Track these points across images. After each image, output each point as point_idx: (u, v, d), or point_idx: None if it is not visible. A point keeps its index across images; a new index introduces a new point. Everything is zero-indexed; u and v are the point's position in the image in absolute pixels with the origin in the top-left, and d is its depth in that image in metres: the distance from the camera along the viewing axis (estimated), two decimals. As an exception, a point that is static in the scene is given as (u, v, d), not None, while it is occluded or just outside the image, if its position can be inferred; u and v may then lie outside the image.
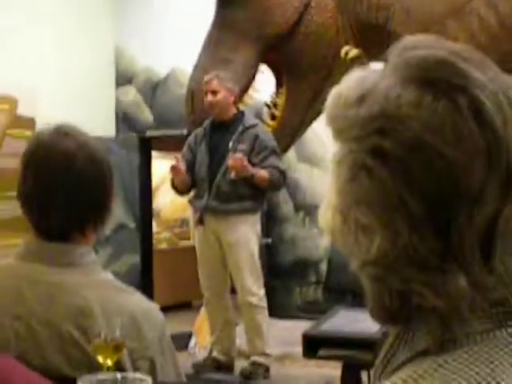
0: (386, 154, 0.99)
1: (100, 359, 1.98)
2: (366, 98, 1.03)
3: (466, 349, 0.98)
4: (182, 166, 6.31)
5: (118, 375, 1.70)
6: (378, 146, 1.00)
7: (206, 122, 6.41)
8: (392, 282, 1.01)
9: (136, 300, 2.30)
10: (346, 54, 5.87)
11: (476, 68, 1.02)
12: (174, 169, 6.36)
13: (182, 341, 7.07)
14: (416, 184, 0.98)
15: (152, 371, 2.18)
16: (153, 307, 2.33)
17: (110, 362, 1.98)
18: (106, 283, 2.28)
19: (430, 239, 0.98)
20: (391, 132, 0.99)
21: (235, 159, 6.03)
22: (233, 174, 6.12)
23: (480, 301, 0.98)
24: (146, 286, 9.76)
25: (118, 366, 2.00)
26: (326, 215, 1.08)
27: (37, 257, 2.25)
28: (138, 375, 1.75)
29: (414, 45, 1.06)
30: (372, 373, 1.08)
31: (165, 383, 2.22)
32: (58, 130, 2.28)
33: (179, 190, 6.56)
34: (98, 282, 2.26)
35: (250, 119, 6.44)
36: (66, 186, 2.21)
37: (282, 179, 6.32)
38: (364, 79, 1.05)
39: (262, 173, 6.17)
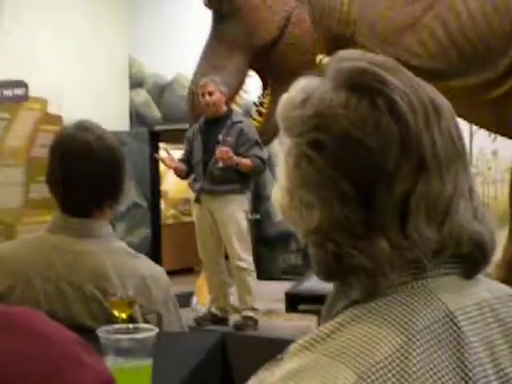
0: (322, 146, 1.04)
1: (116, 313, 1.99)
2: (307, 101, 1.06)
3: (388, 297, 1.02)
4: (171, 160, 6.46)
5: (131, 325, 1.71)
6: (316, 139, 1.04)
7: (201, 120, 6.44)
8: (329, 246, 1.04)
9: (145, 264, 2.31)
10: (320, 61, 5.87)
11: (391, 74, 1.05)
12: (164, 162, 6.53)
13: (185, 299, 7.07)
14: (345, 168, 1.02)
15: (159, 323, 2.19)
16: (160, 271, 2.34)
17: (124, 316, 1.99)
18: (120, 251, 2.29)
19: (357, 211, 1.02)
20: (325, 128, 1.04)
21: (221, 151, 6.08)
22: (220, 163, 6.16)
23: (398, 259, 1.01)
24: (155, 255, 9.76)
25: (131, 319, 2.01)
26: (277, 195, 1.12)
27: (63, 229, 2.26)
28: (148, 325, 1.76)
29: (344, 58, 1.10)
30: (318, 319, 1.12)
31: (170, 332, 2.24)
32: (78, 125, 2.29)
33: (179, 174, 6.63)
34: (113, 250, 2.26)
35: (236, 116, 6.47)
36: (86, 171, 2.22)
37: (262, 166, 6.34)
38: (307, 86, 1.09)
39: (246, 161, 6.20)
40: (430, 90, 1.08)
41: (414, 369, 0.94)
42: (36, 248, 2.26)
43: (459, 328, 1.00)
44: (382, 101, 1.03)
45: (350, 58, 1.10)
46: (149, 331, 1.66)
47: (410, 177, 1.01)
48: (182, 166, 6.50)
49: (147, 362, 1.66)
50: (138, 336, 1.64)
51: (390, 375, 0.94)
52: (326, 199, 1.04)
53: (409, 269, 1.03)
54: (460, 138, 1.08)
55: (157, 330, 1.67)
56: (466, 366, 0.98)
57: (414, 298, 1.02)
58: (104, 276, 2.16)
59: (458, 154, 1.06)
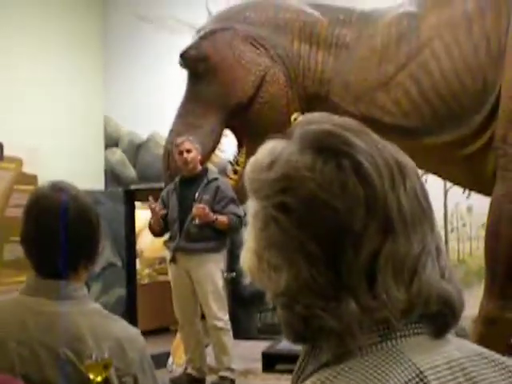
0: (288, 208, 1.04)
1: (91, 376, 1.96)
2: (274, 163, 1.07)
3: (358, 359, 1.01)
4: (158, 207, 6.46)
5: (106, 389, 1.69)
6: (282, 202, 1.05)
7: (176, 179, 6.48)
8: (297, 308, 1.04)
9: (121, 326, 2.28)
10: (295, 120, 5.91)
11: (356, 136, 1.07)
12: (152, 210, 6.50)
13: (161, 360, 7.01)
14: (312, 230, 1.02)
15: (135, 386, 2.16)
16: (135, 332, 2.31)
17: (99, 379, 1.96)
18: (95, 312, 2.27)
19: (325, 273, 1.02)
20: (291, 190, 1.04)
21: (198, 208, 6.13)
22: (197, 220, 6.19)
23: (367, 320, 1.01)
24: (131, 314, 9.68)
25: (107, 383, 1.98)
26: (246, 257, 1.11)
27: (37, 291, 2.24)
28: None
29: (310, 120, 1.11)
30: (292, 379, 1.11)
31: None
32: (53, 186, 2.29)
33: (154, 231, 6.65)
34: (88, 312, 2.24)
35: (212, 174, 6.58)
36: (60, 232, 2.20)
37: (238, 223, 6.37)
38: (273, 149, 1.09)
39: (222, 218, 6.24)
40: (394, 152, 1.10)
41: None
42: (10, 310, 2.24)
43: None
44: (347, 162, 1.03)
45: (316, 120, 1.11)
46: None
47: (376, 237, 1.02)
48: (160, 222, 6.51)
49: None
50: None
51: None
52: (293, 261, 1.04)
53: (378, 329, 1.03)
54: (426, 197, 1.09)
55: (133, 393, 1.65)
56: None
57: (385, 359, 1.01)
58: (79, 338, 2.13)
59: (424, 213, 1.07)
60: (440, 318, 1.06)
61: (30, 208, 2.27)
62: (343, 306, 1.01)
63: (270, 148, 1.10)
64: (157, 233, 6.67)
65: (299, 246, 1.03)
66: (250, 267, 1.10)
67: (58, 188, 2.26)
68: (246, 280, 9.27)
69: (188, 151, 6.28)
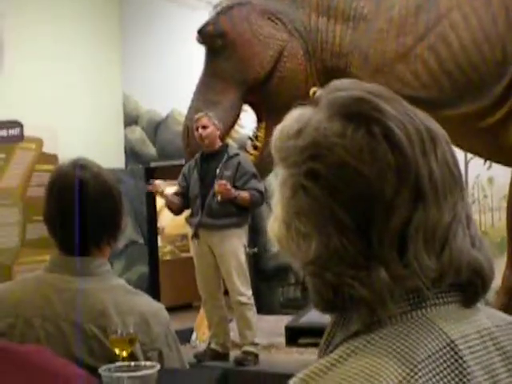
0: (318, 176, 1.03)
1: (117, 351, 1.98)
2: (302, 131, 1.06)
3: (388, 328, 1.01)
4: (157, 187, 6.56)
5: (132, 363, 1.70)
6: (312, 169, 1.03)
7: (197, 155, 6.47)
8: (327, 277, 1.03)
9: (145, 301, 2.30)
10: (314, 93, 5.90)
11: (387, 103, 1.05)
12: (155, 191, 6.63)
13: (184, 336, 7.04)
14: (342, 197, 1.01)
15: (160, 360, 2.17)
16: (159, 307, 2.33)
17: (125, 354, 1.97)
18: (120, 288, 2.28)
19: (355, 241, 1.01)
20: (321, 157, 1.03)
21: (220, 184, 6.12)
22: (219, 198, 6.19)
23: (398, 289, 1.01)
24: (153, 291, 9.71)
25: (132, 357, 2.00)
26: (274, 226, 1.11)
27: (61, 268, 2.25)
28: (149, 362, 1.75)
29: (338, 87, 1.09)
30: (317, 352, 1.10)
31: (171, 369, 2.22)
32: (75, 163, 2.29)
33: (172, 210, 6.66)
34: (112, 288, 2.25)
35: (232, 150, 6.54)
36: (83, 209, 2.21)
37: (260, 198, 6.35)
38: (301, 116, 1.08)
39: (244, 194, 6.23)
40: (425, 119, 1.08)
41: None
42: (34, 287, 2.26)
43: (461, 357, 1.00)
44: (378, 129, 1.02)
45: (344, 87, 1.09)
46: (150, 368, 1.65)
47: (407, 205, 1.01)
48: (175, 199, 6.53)
49: (149, 400, 1.65)
50: (140, 373, 1.63)
51: None
52: (323, 229, 1.03)
53: (408, 298, 1.03)
54: (456, 165, 1.08)
55: (158, 366, 1.66)
56: None
57: (415, 328, 1.01)
58: (104, 314, 2.15)
59: (454, 181, 1.06)
60: (470, 286, 1.05)
61: (52, 186, 2.28)
62: (374, 275, 1.00)
63: (297, 115, 1.08)
64: (175, 211, 6.68)
65: (329, 214, 1.02)
66: (278, 236, 1.10)
67: (79, 165, 2.27)
68: (274, 249, 9.29)
69: (204, 127, 6.27)
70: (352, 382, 0.94)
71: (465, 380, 0.98)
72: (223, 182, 6.13)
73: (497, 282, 5.92)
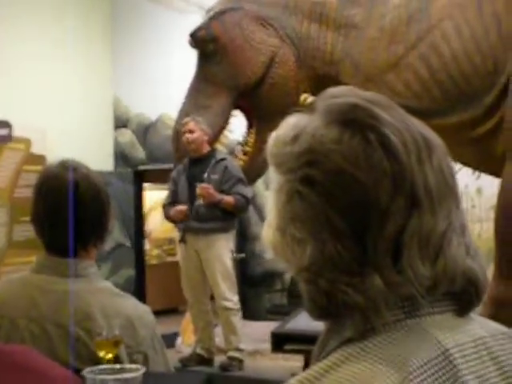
0: (314, 182, 1.04)
1: (102, 354, 1.97)
2: (298, 137, 1.06)
3: (382, 335, 1.01)
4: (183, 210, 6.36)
5: (117, 366, 1.70)
6: (307, 175, 1.04)
7: (185, 159, 6.48)
8: (321, 283, 1.03)
9: (131, 304, 2.29)
10: (305, 100, 5.91)
11: (383, 110, 1.06)
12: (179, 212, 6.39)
13: (170, 340, 7.03)
14: (338, 203, 1.02)
15: (145, 363, 2.17)
16: (145, 310, 2.32)
17: (110, 356, 1.97)
18: (106, 290, 2.28)
19: (350, 248, 1.02)
20: (317, 164, 1.04)
21: (202, 188, 6.14)
22: (201, 200, 6.19)
23: (392, 296, 1.01)
24: (140, 295, 9.69)
25: (117, 360, 1.99)
26: (268, 232, 1.11)
27: (47, 269, 2.25)
28: (134, 365, 1.74)
29: (334, 94, 1.10)
30: (311, 358, 1.10)
31: (156, 373, 2.22)
32: (63, 164, 2.29)
33: (172, 221, 6.60)
34: (98, 290, 2.25)
35: (220, 154, 6.55)
36: (70, 210, 2.21)
37: (245, 203, 6.36)
38: (297, 123, 1.09)
39: (228, 198, 6.24)
40: (421, 127, 1.09)
41: None
42: (20, 288, 2.25)
43: (455, 366, 1.00)
44: (374, 136, 1.03)
45: (341, 94, 1.10)
46: (135, 371, 1.64)
47: (402, 212, 1.01)
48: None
49: (134, 403, 1.64)
50: (124, 376, 1.62)
51: None
52: (319, 235, 1.03)
53: (403, 306, 1.03)
54: (452, 174, 1.09)
55: (143, 369, 1.65)
56: None
57: (409, 336, 1.01)
58: (89, 316, 2.14)
59: (449, 190, 1.07)
60: (464, 295, 1.06)
61: (40, 186, 2.27)
62: (368, 282, 1.00)
63: (293, 122, 1.09)
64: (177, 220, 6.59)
65: (324, 220, 1.03)
66: (272, 242, 1.10)
67: (67, 166, 2.27)
68: (264, 255, 9.28)
69: (191, 132, 6.27)
70: None
71: None
72: (205, 185, 6.14)
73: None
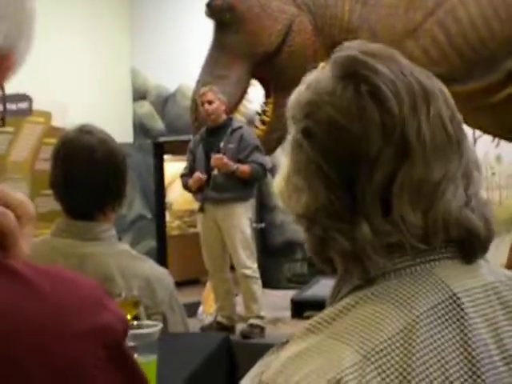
0: (311, 133, 1.08)
1: (121, 314, 2.00)
2: (306, 90, 1.11)
3: (391, 281, 1.04)
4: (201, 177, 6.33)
5: (134, 322, 1.73)
6: (306, 126, 1.08)
7: (202, 129, 6.46)
8: (316, 230, 1.08)
9: (149, 266, 2.32)
10: (322, 68, 5.90)
11: (380, 62, 1.08)
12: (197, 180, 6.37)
13: (192, 309, 7.07)
14: (329, 154, 1.06)
15: (164, 324, 2.20)
16: (164, 272, 2.36)
17: (129, 317, 1.99)
18: (124, 253, 2.31)
19: (341, 197, 1.05)
20: (313, 115, 1.08)
21: (216, 158, 6.12)
22: (216, 170, 6.18)
23: (379, 244, 1.03)
24: (161, 266, 9.75)
25: (136, 320, 2.02)
26: (278, 181, 1.15)
27: (67, 233, 2.28)
28: (151, 322, 1.77)
29: (343, 47, 1.13)
30: (326, 303, 1.13)
31: (175, 333, 2.25)
32: (81, 128, 2.31)
33: (191, 191, 6.59)
34: (117, 252, 2.28)
35: (236, 123, 6.47)
36: (88, 174, 2.23)
37: (262, 172, 6.32)
38: (311, 75, 1.13)
39: (244, 167, 6.21)
40: (424, 78, 1.10)
41: (418, 348, 0.96)
42: (40, 251, 2.27)
43: (462, 309, 1.02)
44: (365, 87, 1.05)
45: (347, 47, 1.13)
46: (152, 327, 1.67)
47: (391, 163, 1.03)
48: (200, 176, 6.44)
49: (152, 358, 1.67)
50: (142, 332, 1.65)
51: (393, 355, 0.96)
52: (313, 184, 1.07)
53: (412, 253, 1.05)
54: (454, 124, 1.09)
55: (160, 325, 1.68)
56: (469, 345, 0.99)
57: (418, 280, 1.03)
58: (108, 277, 2.17)
59: (450, 140, 1.07)
60: (466, 244, 1.07)
61: (58, 150, 2.30)
62: (357, 229, 1.03)
63: (309, 77, 1.13)
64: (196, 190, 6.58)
65: (317, 170, 1.06)
66: (280, 191, 1.14)
67: (85, 131, 2.29)
68: (277, 230, 9.30)
69: (209, 102, 6.26)
70: (355, 331, 0.98)
71: (466, 331, 1.00)
72: (219, 155, 6.12)
73: (504, 260, 5.92)
